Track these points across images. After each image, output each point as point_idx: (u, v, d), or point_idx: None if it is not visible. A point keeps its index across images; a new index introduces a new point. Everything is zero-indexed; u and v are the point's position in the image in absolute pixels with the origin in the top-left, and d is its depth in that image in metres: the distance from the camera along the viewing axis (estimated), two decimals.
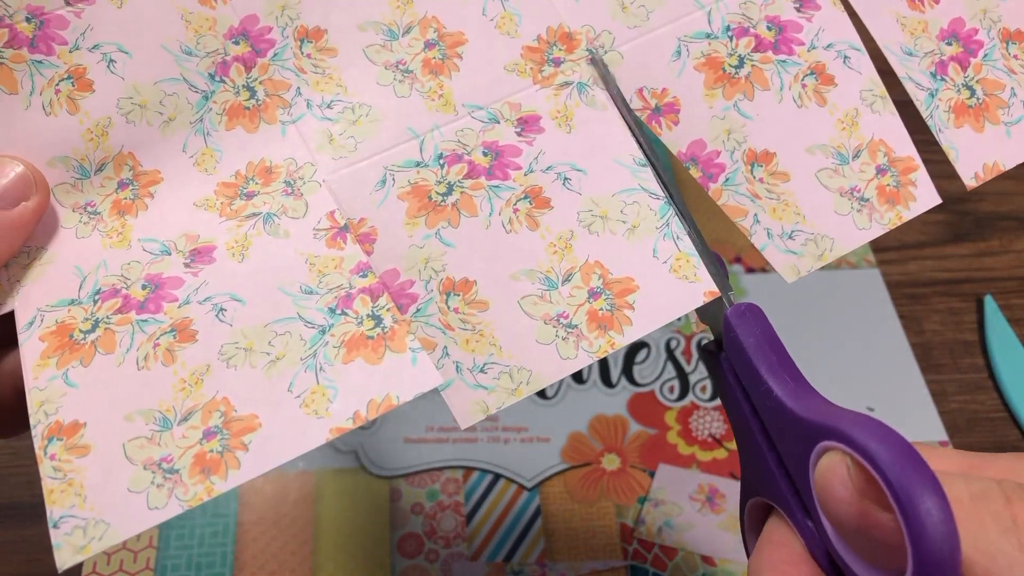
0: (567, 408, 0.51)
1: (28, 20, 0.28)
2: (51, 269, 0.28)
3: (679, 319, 0.53)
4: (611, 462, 0.49)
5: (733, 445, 0.50)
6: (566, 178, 0.30)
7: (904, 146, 0.32)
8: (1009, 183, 0.61)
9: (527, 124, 0.30)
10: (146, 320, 0.27)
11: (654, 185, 0.30)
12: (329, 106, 0.30)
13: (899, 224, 0.31)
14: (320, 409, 0.26)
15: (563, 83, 0.31)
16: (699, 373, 0.53)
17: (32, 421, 0.26)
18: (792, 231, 0.30)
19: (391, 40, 0.30)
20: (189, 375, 0.26)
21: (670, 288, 0.29)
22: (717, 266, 0.28)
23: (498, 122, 0.30)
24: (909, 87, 0.32)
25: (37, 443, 0.25)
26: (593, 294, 0.29)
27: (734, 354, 0.26)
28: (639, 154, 0.30)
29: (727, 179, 0.31)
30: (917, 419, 0.51)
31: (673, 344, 0.54)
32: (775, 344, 0.26)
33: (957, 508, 0.20)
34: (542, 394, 0.52)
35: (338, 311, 0.27)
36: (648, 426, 0.51)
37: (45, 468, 0.25)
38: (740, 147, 0.31)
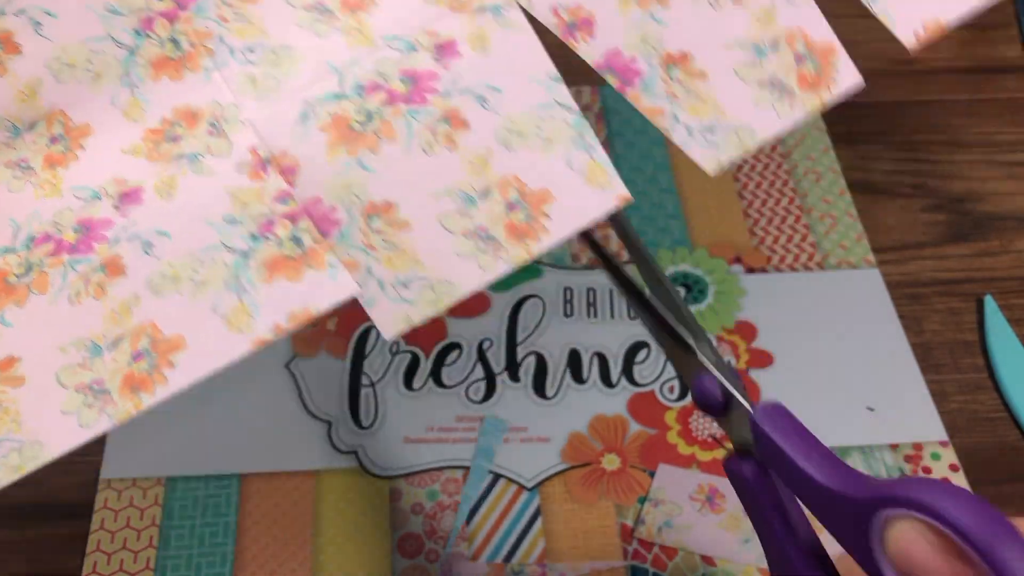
0: (567, 408, 0.51)
1: None
2: None
3: None
4: (611, 462, 0.49)
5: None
6: (483, 98, 0.30)
7: (822, 31, 0.31)
8: (1009, 183, 0.61)
9: (444, 50, 0.31)
10: (78, 260, 0.28)
11: (568, 99, 0.30)
12: (251, 50, 0.31)
13: (822, 108, 0.31)
14: (243, 325, 0.27)
15: (479, 8, 0.31)
16: None
17: None
18: (711, 125, 0.30)
19: None
20: (119, 306, 0.27)
21: (584, 195, 0.29)
22: (734, 378, 0.29)
23: (416, 50, 0.31)
24: None
25: None
26: (511, 207, 0.29)
27: (767, 455, 0.27)
28: (554, 70, 0.31)
29: (644, 85, 0.31)
30: (917, 419, 0.51)
31: None
32: (808, 436, 0.26)
33: None
34: (542, 394, 0.52)
35: (259, 236, 0.28)
36: (648, 426, 0.51)
37: None
38: (656, 52, 0.31)
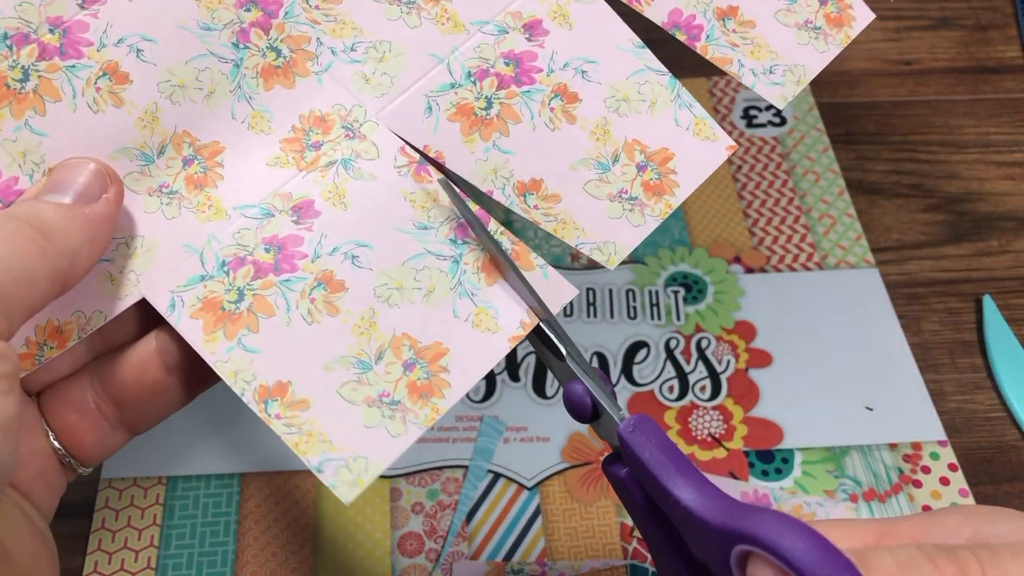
0: None
1: (51, 31, 0.29)
2: (158, 253, 0.29)
3: (677, 320, 0.54)
4: None
5: (733, 444, 0.50)
6: (583, 71, 0.33)
7: None
8: (1008, 183, 0.61)
9: (532, 29, 0.33)
10: (288, 279, 0.28)
11: (657, 63, 0.33)
12: (352, 49, 0.32)
13: (847, 43, 0.36)
14: (491, 326, 0.28)
15: None
16: (699, 373, 0.53)
17: (236, 391, 0.27)
18: (771, 66, 0.35)
19: None
20: (360, 320, 0.28)
21: (699, 149, 0.33)
22: (603, 385, 0.29)
23: (507, 32, 0.33)
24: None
25: (255, 408, 0.26)
26: (641, 167, 0.32)
27: (635, 469, 0.27)
28: (636, 38, 0.34)
29: (709, 37, 0.35)
30: (916, 419, 0.51)
31: (672, 344, 0.54)
32: (672, 452, 0.26)
33: None
34: (542, 394, 0.52)
35: (459, 241, 0.30)
36: None
37: (277, 427, 0.26)
38: (709, 6, 0.35)
